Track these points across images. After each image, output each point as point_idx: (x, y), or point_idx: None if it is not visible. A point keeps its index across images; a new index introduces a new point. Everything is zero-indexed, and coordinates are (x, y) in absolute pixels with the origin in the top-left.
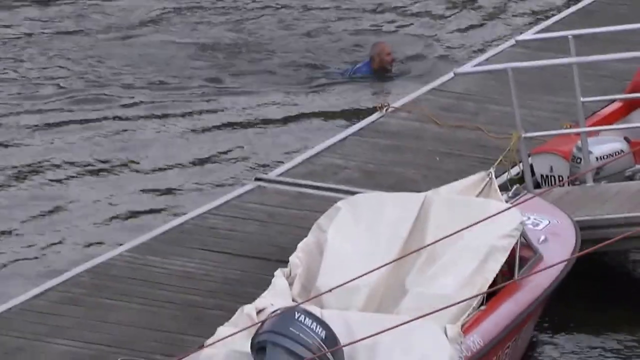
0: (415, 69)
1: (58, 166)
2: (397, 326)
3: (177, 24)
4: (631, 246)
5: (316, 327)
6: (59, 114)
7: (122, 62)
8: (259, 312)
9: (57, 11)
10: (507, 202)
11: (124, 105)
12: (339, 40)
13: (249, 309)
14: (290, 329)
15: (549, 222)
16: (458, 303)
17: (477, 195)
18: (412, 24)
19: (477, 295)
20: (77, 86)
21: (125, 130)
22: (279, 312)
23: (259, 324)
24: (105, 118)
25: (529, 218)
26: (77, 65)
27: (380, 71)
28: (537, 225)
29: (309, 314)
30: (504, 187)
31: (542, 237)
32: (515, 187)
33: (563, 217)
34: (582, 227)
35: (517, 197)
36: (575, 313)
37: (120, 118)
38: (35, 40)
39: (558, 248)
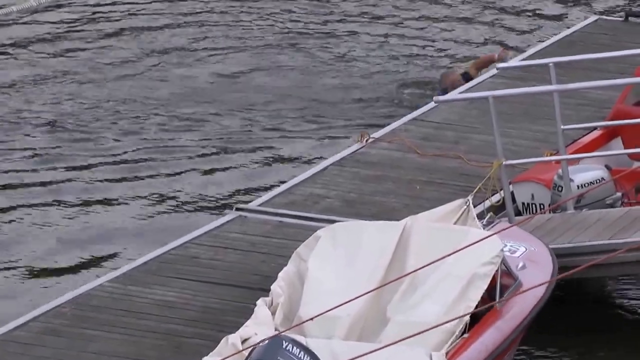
0: (395, 101)
1: (42, 196)
2: (383, 347)
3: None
4: (609, 273)
5: (304, 355)
6: (48, 149)
7: (108, 97)
8: (243, 341)
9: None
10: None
11: (109, 137)
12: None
13: (234, 338)
14: (279, 358)
15: (526, 249)
16: (438, 326)
17: (455, 223)
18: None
19: (457, 318)
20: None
21: (110, 161)
22: (266, 341)
23: (246, 353)
24: (86, 149)
25: (505, 245)
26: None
27: None
28: (514, 252)
29: (296, 343)
30: (482, 215)
31: (520, 264)
32: (489, 214)
33: (539, 244)
34: (563, 254)
35: (491, 225)
36: (554, 339)
37: (103, 150)
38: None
39: (536, 274)
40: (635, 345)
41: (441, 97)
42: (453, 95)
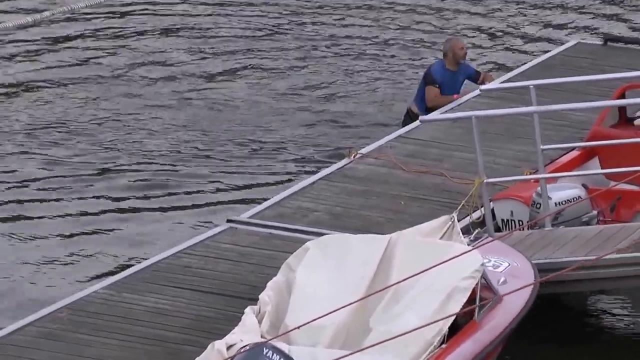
0: (384, 117)
1: (39, 202)
2: (362, 350)
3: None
4: (587, 288)
5: None
6: (28, 163)
7: (97, 108)
8: (229, 347)
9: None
10: (468, 245)
11: (101, 148)
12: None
13: (220, 344)
14: None
15: (509, 264)
16: (411, 331)
17: (440, 238)
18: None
19: (436, 328)
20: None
21: (105, 171)
22: (247, 348)
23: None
24: (82, 158)
25: (489, 260)
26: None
27: (453, 66)
28: (498, 267)
29: (277, 350)
30: (466, 231)
31: (502, 279)
32: (477, 230)
33: (522, 259)
34: (540, 270)
35: (478, 241)
36: (535, 350)
37: (98, 159)
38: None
39: (516, 288)
40: (613, 357)
41: (427, 117)
42: (438, 115)
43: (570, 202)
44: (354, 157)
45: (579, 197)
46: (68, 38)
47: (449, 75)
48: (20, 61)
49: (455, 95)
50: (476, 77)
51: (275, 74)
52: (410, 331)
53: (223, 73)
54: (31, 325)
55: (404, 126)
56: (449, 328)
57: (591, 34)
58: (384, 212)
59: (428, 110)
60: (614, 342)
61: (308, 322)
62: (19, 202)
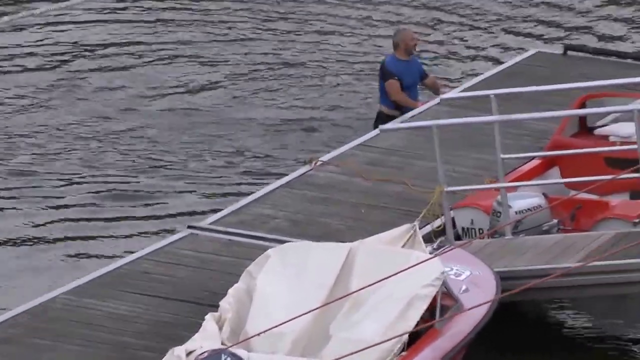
0: (345, 125)
1: None
2: None
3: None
4: (547, 296)
5: None
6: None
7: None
8: (188, 354)
9: None
10: (431, 253)
11: (63, 156)
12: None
13: (179, 350)
14: None
15: (471, 272)
16: (376, 345)
17: (402, 246)
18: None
19: (395, 337)
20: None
21: (62, 179)
22: (206, 354)
23: None
24: (43, 168)
25: (451, 269)
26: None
27: (405, 56)
28: (459, 275)
29: (236, 357)
30: (427, 239)
31: (464, 287)
32: (439, 239)
33: (484, 268)
34: (500, 278)
35: (441, 249)
36: (494, 358)
37: (55, 171)
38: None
39: (478, 297)
40: None
41: (386, 126)
42: (399, 124)
43: (531, 210)
44: (315, 164)
45: (539, 205)
46: (20, 46)
47: (403, 66)
48: None
49: (420, 103)
50: (424, 77)
51: (236, 81)
52: (373, 346)
53: (184, 81)
54: None
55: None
56: (409, 335)
57: (552, 43)
58: (345, 220)
59: (395, 104)
60: (572, 349)
61: (268, 329)
62: None
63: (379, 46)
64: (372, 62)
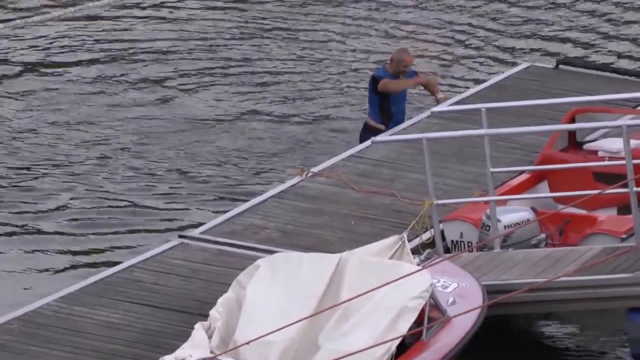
0: (336, 136)
1: None
2: None
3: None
4: (535, 310)
5: None
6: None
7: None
8: None
9: None
10: (419, 265)
11: (58, 164)
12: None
13: (169, 359)
14: None
15: (458, 285)
16: (363, 350)
17: (390, 258)
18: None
19: (383, 347)
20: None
21: (54, 187)
22: None
23: None
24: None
25: (439, 281)
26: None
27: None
28: (447, 287)
29: None
30: (416, 251)
31: (451, 299)
32: (427, 251)
33: (472, 280)
34: (489, 291)
35: (429, 261)
36: None
37: (47, 178)
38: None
39: (465, 310)
40: None
41: (378, 138)
42: (389, 136)
43: (520, 224)
44: (305, 175)
45: (528, 219)
46: None
47: (392, 78)
48: None
49: (415, 79)
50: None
51: (227, 93)
52: (359, 351)
53: (176, 90)
54: None
55: (361, 141)
56: (397, 347)
57: (545, 57)
58: (335, 231)
59: (381, 99)
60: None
61: (257, 338)
62: None
63: (369, 59)
64: (363, 74)
